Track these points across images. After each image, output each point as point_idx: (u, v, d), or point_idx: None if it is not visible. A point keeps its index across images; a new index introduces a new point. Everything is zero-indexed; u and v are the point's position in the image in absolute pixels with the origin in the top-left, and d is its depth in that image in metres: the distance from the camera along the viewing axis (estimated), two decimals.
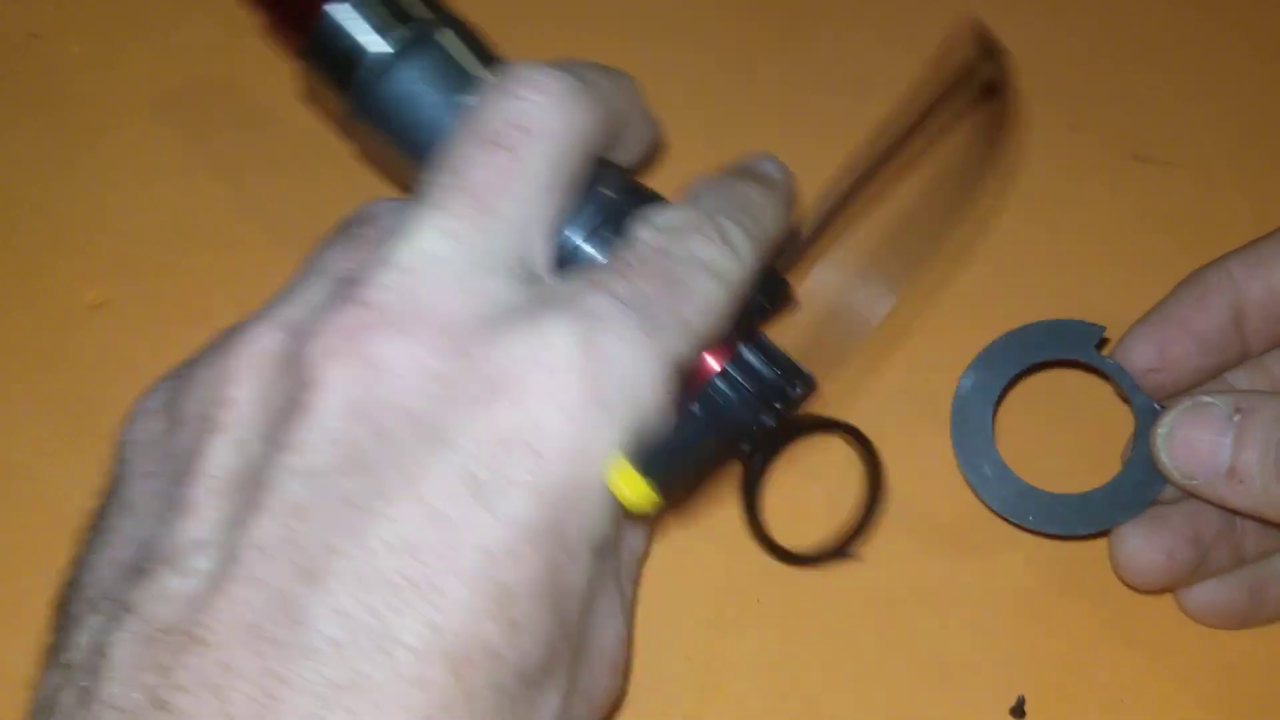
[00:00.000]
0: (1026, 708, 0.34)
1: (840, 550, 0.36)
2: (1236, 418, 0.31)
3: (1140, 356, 0.35)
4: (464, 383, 0.24)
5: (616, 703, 0.30)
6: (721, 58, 0.47)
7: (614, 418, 0.25)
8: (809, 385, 0.32)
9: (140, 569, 0.24)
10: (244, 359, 0.26)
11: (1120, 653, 0.35)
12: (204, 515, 0.25)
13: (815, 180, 0.44)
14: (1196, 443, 0.31)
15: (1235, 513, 0.33)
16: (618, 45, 0.47)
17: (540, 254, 0.28)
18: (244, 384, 0.26)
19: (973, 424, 0.36)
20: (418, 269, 0.25)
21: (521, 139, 0.27)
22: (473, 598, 0.23)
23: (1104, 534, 0.35)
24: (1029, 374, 0.37)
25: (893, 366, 0.40)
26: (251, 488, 0.24)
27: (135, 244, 0.41)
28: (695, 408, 0.31)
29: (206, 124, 0.39)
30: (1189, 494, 0.33)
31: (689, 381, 0.31)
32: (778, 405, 0.31)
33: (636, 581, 0.32)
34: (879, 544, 0.37)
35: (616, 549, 0.30)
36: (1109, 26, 0.49)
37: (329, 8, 0.31)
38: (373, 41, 0.30)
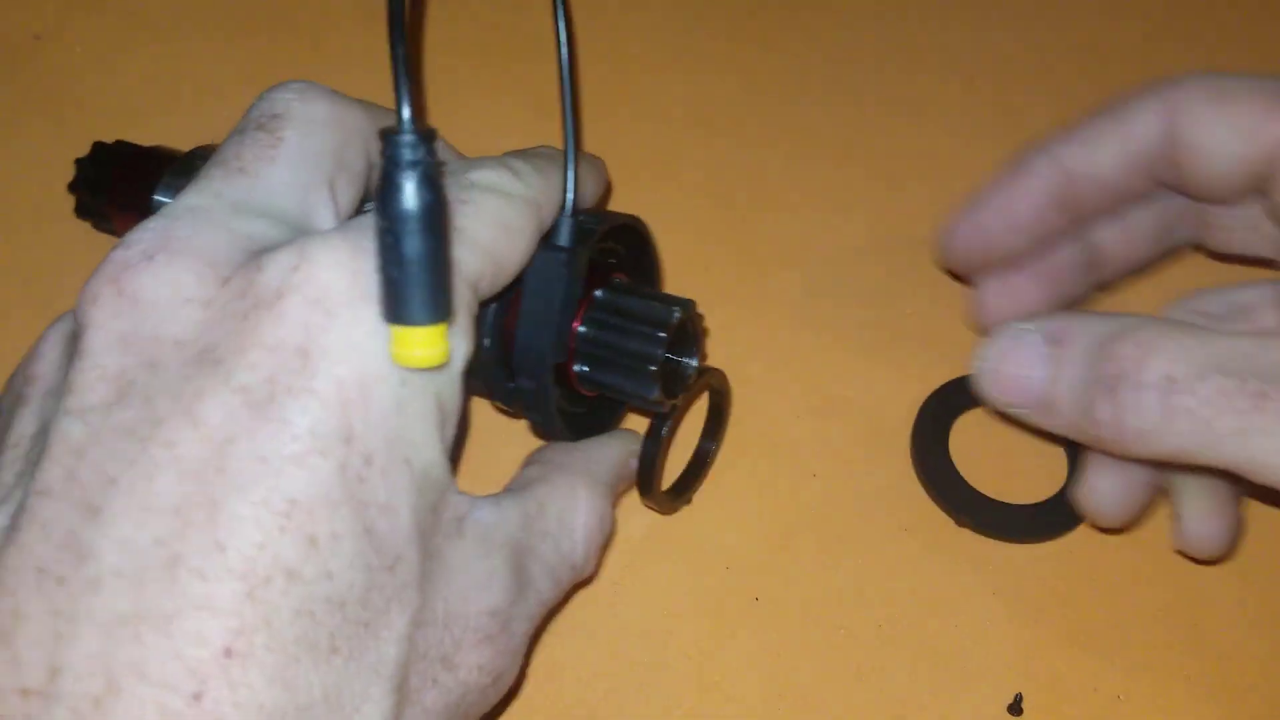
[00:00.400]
0: (1024, 705, 0.35)
1: (680, 491, 0.37)
2: (1051, 349, 0.31)
3: (961, 239, 0.36)
4: (228, 304, 0.24)
5: (507, 688, 0.29)
6: (722, 60, 0.47)
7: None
8: (686, 308, 0.33)
9: None
10: (46, 340, 0.27)
11: (1117, 650, 0.35)
12: (5, 479, 0.25)
13: (813, 179, 0.44)
14: (1014, 374, 0.31)
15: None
16: (619, 47, 0.47)
17: (325, 222, 0.28)
18: (44, 360, 0.27)
19: (934, 468, 0.38)
20: (176, 215, 0.26)
21: (273, 121, 0.28)
22: (258, 512, 0.23)
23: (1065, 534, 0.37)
24: (966, 412, 0.39)
25: (900, 365, 0.40)
26: (42, 440, 0.24)
27: None
28: (583, 367, 0.33)
29: (208, 127, 0.39)
30: (1014, 418, 0.33)
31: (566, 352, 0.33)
32: (661, 334, 0.32)
33: (563, 585, 0.31)
34: (878, 543, 0.37)
35: (531, 521, 0.30)
36: (1109, 26, 0.49)
37: (156, 196, 0.36)
38: None
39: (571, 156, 0.32)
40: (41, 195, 0.43)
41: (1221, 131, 0.32)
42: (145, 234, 0.26)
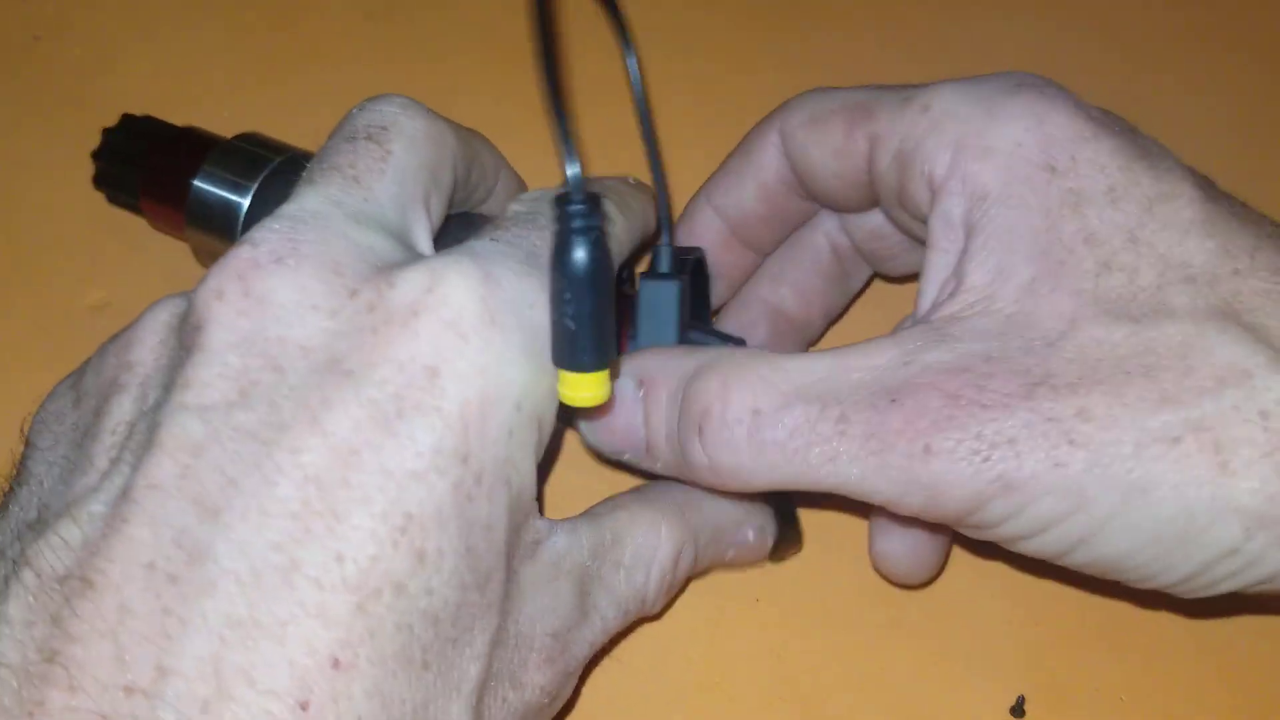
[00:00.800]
0: (1026, 707, 0.34)
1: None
2: (641, 392, 0.30)
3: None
4: (356, 316, 0.25)
5: (560, 706, 0.29)
6: (721, 58, 0.47)
7: (508, 337, 0.25)
8: (740, 345, 0.33)
9: (38, 524, 0.24)
10: (146, 327, 0.27)
11: (1119, 652, 0.35)
12: (100, 465, 0.25)
13: None
14: (613, 423, 0.30)
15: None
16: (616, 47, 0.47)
17: (421, 236, 0.28)
18: (145, 346, 0.26)
19: None
20: (300, 218, 0.26)
21: (381, 133, 0.28)
22: (376, 525, 0.23)
23: None
24: None
25: None
26: (149, 431, 0.24)
27: (136, 245, 0.41)
28: None
29: (207, 127, 0.39)
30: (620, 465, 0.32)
31: None
32: None
33: (629, 616, 0.30)
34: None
35: (596, 549, 0.29)
36: (1109, 26, 0.49)
37: (195, 182, 0.36)
38: (240, 191, 0.36)
39: (661, 186, 0.32)
40: (41, 195, 0.43)
41: (818, 153, 0.33)
42: (271, 235, 0.25)
